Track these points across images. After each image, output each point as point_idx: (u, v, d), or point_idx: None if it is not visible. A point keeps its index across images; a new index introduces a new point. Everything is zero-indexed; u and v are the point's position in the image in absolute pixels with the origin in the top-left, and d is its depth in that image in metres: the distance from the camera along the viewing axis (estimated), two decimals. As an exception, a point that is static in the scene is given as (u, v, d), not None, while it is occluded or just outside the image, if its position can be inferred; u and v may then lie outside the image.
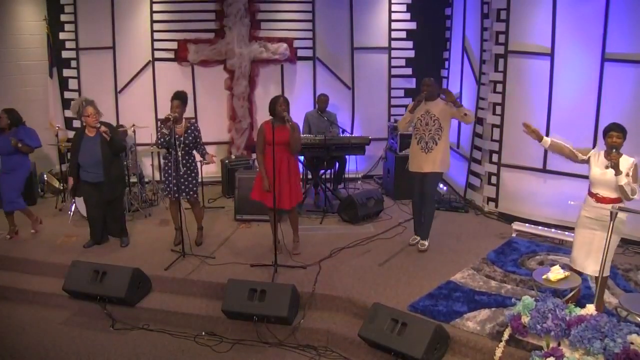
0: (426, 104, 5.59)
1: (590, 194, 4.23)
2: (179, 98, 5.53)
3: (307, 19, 8.27)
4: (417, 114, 5.61)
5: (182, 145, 5.48)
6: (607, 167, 4.06)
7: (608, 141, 4.09)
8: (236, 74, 8.09)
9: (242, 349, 4.48)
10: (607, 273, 4.19)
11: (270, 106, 5.33)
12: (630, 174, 4.02)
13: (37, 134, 6.23)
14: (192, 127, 5.60)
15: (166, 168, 5.65)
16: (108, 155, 5.59)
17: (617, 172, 3.99)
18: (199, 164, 5.82)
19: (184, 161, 5.57)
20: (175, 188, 5.57)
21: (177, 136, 5.44)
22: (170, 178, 5.61)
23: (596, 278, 4.23)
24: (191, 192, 5.69)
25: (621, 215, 4.00)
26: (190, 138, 5.55)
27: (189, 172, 5.62)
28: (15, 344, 4.50)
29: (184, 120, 5.59)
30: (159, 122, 5.51)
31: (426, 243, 5.77)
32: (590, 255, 4.22)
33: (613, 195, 4.10)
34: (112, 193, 5.73)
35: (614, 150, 4.02)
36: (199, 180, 5.83)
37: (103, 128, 5.49)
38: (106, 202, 5.76)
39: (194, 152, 5.71)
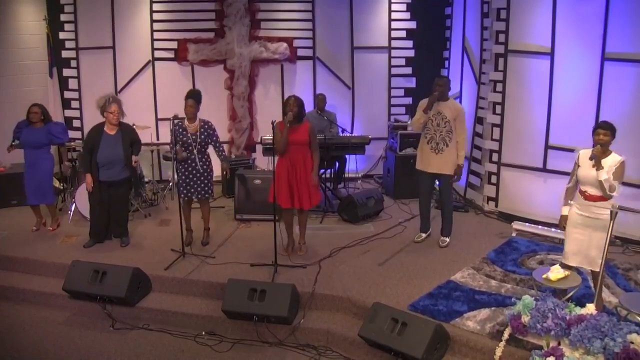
0: (438, 105, 5.54)
1: (580, 191, 4.28)
2: (192, 97, 5.59)
3: (307, 18, 8.27)
4: (429, 113, 5.59)
5: (195, 144, 5.53)
6: (591, 160, 4.10)
7: (595, 139, 4.15)
8: (236, 73, 8.09)
9: (242, 349, 4.49)
10: (598, 267, 4.24)
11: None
12: (613, 170, 4.06)
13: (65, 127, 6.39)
14: (207, 126, 5.62)
15: (182, 169, 5.64)
16: (129, 154, 5.71)
17: (598, 167, 4.06)
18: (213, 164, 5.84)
19: (198, 159, 5.60)
20: (189, 188, 5.64)
21: (190, 135, 5.53)
22: (185, 178, 5.63)
23: (593, 273, 4.29)
24: (209, 192, 5.74)
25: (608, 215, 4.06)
26: (203, 137, 5.58)
27: (202, 170, 5.65)
28: (15, 344, 4.50)
29: (197, 119, 5.61)
30: (171, 123, 5.53)
31: (447, 239, 5.84)
32: (581, 252, 4.28)
33: (599, 193, 4.15)
34: (137, 188, 5.94)
35: (599, 145, 4.09)
36: (213, 179, 5.85)
37: (135, 160, 5.74)
38: (109, 202, 5.77)
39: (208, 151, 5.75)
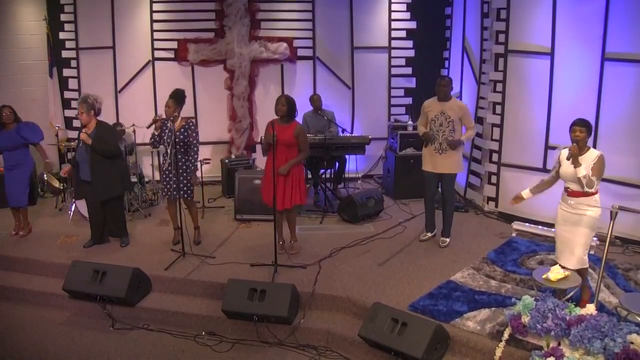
0: (441, 104, 5.58)
1: (565, 189, 4.32)
2: (172, 96, 5.55)
3: (307, 18, 8.27)
4: (432, 114, 5.61)
5: (173, 143, 5.44)
6: (568, 160, 4.19)
7: (571, 136, 4.19)
8: (236, 73, 8.09)
9: (242, 349, 4.49)
10: (585, 264, 4.29)
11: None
12: (591, 166, 4.10)
13: (39, 126, 6.20)
14: (187, 126, 5.57)
15: (163, 168, 5.66)
16: (96, 155, 5.52)
17: (576, 165, 4.10)
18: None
19: (177, 159, 5.52)
20: (172, 188, 5.59)
21: (171, 134, 5.47)
22: (167, 178, 5.63)
23: (579, 272, 4.31)
24: (187, 193, 5.67)
25: (594, 212, 4.13)
26: (182, 137, 5.52)
27: (182, 170, 5.59)
28: (15, 344, 4.51)
29: (180, 118, 5.59)
30: (150, 125, 5.52)
31: (447, 240, 5.86)
32: (566, 250, 4.31)
33: (581, 189, 4.18)
34: (104, 194, 5.63)
35: (575, 143, 4.13)
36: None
37: (83, 135, 5.44)
38: (102, 202, 5.72)
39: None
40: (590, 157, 4.15)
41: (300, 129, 5.40)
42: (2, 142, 5.95)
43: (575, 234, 4.24)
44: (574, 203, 4.22)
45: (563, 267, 4.28)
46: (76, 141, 5.78)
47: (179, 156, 5.55)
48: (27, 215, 6.26)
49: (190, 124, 5.61)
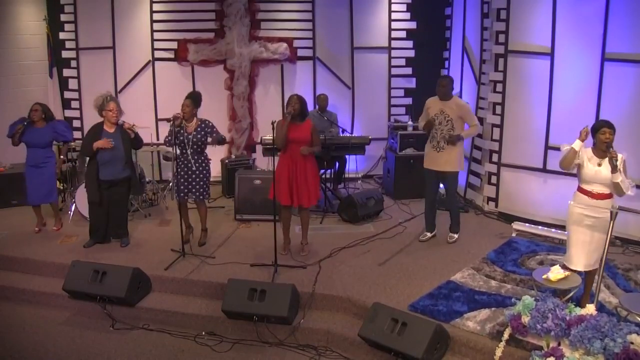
0: (442, 103, 5.64)
1: (584, 191, 4.23)
2: (190, 97, 5.64)
3: (307, 18, 8.27)
4: (432, 112, 5.67)
5: (190, 143, 5.53)
6: (599, 165, 4.12)
7: (601, 137, 4.12)
8: (236, 73, 8.09)
9: (242, 349, 4.49)
10: (596, 266, 4.25)
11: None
12: (621, 169, 4.08)
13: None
14: (203, 125, 5.62)
15: (178, 169, 5.66)
16: (129, 151, 5.70)
17: (614, 169, 4.03)
18: (211, 164, 5.86)
19: (193, 160, 5.59)
20: (184, 189, 5.63)
21: (186, 134, 5.52)
22: (180, 178, 5.64)
23: (588, 273, 4.29)
24: (203, 193, 5.71)
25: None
26: (199, 137, 5.58)
27: (198, 171, 5.64)
28: (15, 344, 4.50)
29: (195, 119, 5.63)
30: (169, 121, 5.53)
31: (455, 236, 5.92)
32: (587, 256, 4.25)
33: (607, 191, 4.16)
34: (137, 188, 5.99)
35: (612, 148, 4.05)
36: (210, 180, 5.83)
37: (127, 124, 5.65)
38: (116, 200, 5.77)
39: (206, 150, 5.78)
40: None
41: (314, 126, 5.49)
42: (31, 139, 6.00)
43: (598, 239, 4.16)
44: (596, 207, 4.13)
45: (567, 267, 4.27)
46: (87, 143, 5.76)
47: (196, 157, 5.61)
48: (57, 210, 6.47)
49: (207, 122, 5.69)
